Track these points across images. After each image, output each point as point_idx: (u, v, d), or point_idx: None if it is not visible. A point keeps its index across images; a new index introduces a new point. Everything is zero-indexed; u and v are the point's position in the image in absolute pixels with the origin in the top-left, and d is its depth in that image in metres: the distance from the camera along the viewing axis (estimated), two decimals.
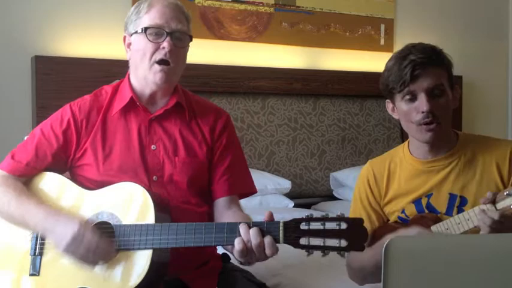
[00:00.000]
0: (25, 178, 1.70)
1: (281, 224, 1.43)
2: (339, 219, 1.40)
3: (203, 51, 3.41)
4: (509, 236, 1.39)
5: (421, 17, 4.17)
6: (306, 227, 1.41)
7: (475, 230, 1.59)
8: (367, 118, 3.92)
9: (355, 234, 1.39)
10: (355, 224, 1.40)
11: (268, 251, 1.43)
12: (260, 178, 3.25)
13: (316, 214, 1.44)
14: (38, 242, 1.63)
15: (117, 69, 3.07)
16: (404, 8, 4.11)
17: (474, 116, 4.37)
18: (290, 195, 3.42)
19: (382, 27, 4.03)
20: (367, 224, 1.76)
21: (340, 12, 3.88)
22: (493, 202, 1.52)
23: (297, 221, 1.42)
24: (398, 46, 4.02)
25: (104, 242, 1.52)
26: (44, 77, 3.01)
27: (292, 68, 3.69)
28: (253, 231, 1.43)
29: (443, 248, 1.18)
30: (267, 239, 1.43)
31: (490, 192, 1.54)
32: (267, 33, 3.67)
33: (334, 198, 3.67)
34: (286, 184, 3.39)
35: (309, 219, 1.41)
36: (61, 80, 3.02)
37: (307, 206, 3.55)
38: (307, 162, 3.73)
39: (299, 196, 3.63)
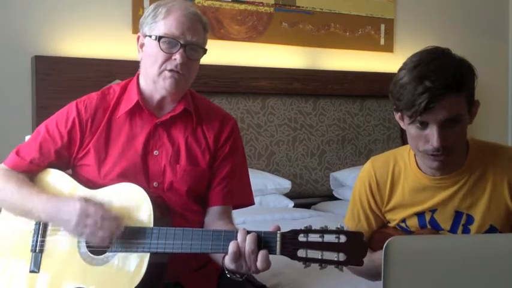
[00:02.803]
0: (28, 175, 1.69)
1: (278, 235, 1.40)
2: (338, 232, 1.37)
3: None
4: (509, 236, 1.39)
5: (421, 17, 4.17)
6: (304, 239, 1.38)
7: None
8: (367, 118, 3.92)
9: (354, 249, 1.36)
10: (355, 237, 1.37)
11: (259, 264, 1.41)
12: (260, 178, 3.25)
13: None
14: (39, 238, 1.63)
15: (117, 69, 3.08)
16: (404, 8, 4.11)
17: None
18: (290, 195, 3.42)
19: (382, 27, 4.03)
20: (365, 228, 1.75)
21: (340, 12, 3.88)
22: None
23: (295, 232, 1.39)
24: (398, 46, 4.02)
25: (108, 213, 1.52)
26: (44, 77, 3.01)
27: (292, 68, 3.69)
28: (250, 237, 1.41)
29: (443, 248, 1.18)
30: (262, 252, 1.40)
31: None
32: (267, 33, 3.67)
33: (334, 198, 3.66)
34: (286, 184, 3.39)
35: (307, 231, 1.39)
36: (61, 80, 3.02)
37: (307, 206, 3.55)
38: (307, 162, 3.73)
39: (299, 196, 3.63)
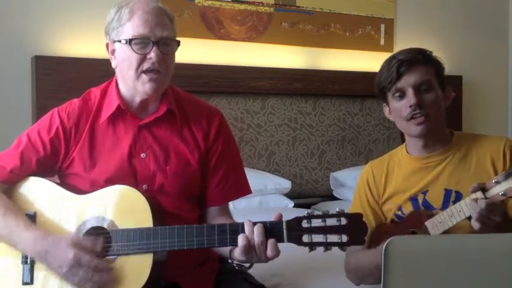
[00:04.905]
0: (8, 185, 1.65)
1: (284, 223, 1.45)
2: (339, 215, 1.43)
3: (203, 51, 3.41)
4: (509, 236, 1.39)
5: (421, 17, 4.17)
6: (307, 225, 1.44)
7: (466, 224, 1.60)
8: (367, 118, 3.92)
9: (355, 229, 1.43)
10: (355, 219, 1.44)
11: (269, 252, 1.44)
12: (260, 178, 3.25)
13: (317, 212, 1.46)
14: None
15: None
16: (404, 8, 4.11)
17: (474, 116, 4.37)
18: (290, 195, 3.42)
19: (382, 27, 4.03)
20: None
21: (340, 12, 3.88)
22: (483, 190, 1.55)
23: (298, 219, 1.45)
24: (398, 46, 4.02)
25: (101, 264, 1.48)
26: (44, 77, 3.01)
27: (292, 68, 3.69)
28: (257, 229, 1.44)
29: (443, 248, 1.18)
30: (271, 241, 1.44)
31: (476, 183, 1.56)
32: (267, 33, 3.67)
33: (334, 198, 3.66)
34: (286, 184, 3.39)
35: (310, 217, 1.44)
36: (61, 80, 3.01)
37: (307, 206, 3.54)
38: (307, 162, 3.73)
39: (299, 196, 3.63)
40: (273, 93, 3.61)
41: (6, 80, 3.06)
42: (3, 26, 3.06)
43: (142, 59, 1.61)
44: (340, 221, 1.43)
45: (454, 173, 1.74)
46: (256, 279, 1.82)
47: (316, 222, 1.43)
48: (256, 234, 1.43)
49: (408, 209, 1.77)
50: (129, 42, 1.61)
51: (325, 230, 1.43)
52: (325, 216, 1.44)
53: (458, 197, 1.71)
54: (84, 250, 1.48)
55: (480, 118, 4.42)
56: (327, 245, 1.42)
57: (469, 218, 1.57)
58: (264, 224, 1.45)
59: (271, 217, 1.50)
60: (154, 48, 1.60)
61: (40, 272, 1.57)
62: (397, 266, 1.12)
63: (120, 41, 1.63)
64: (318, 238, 1.43)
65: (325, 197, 3.72)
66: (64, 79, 3.02)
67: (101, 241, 1.53)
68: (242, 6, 3.60)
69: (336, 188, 3.70)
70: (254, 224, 1.46)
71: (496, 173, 1.69)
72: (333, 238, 1.42)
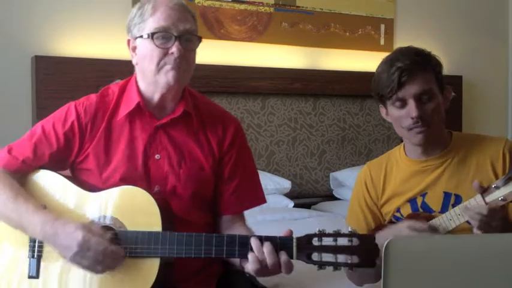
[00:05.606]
0: (19, 175, 1.64)
1: (294, 241, 1.42)
2: (351, 235, 1.40)
3: (203, 51, 3.39)
4: (509, 236, 1.39)
5: (421, 17, 4.17)
6: (318, 243, 1.41)
7: (466, 227, 1.61)
8: (367, 118, 3.92)
9: (367, 251, 1.39)
10: (367, 240, 1.40)
11: (284, 270, 1.43)
12: (260, 178, 3.24)
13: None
14: (36, 244, 1.58)
15: (117, 69, 3.07)
16: (404, 8, 4.11)
17: (474, 116, 4.37)
18: (290, 195, 3.42)
19: (382, 27, 4.03)
20: (363, 225, 1.80)
21: (340, 12, 3.88)
22: (482, 194, 1.55)
23: (309, 237, 1.42)
24: (398, 46, 4.01)
25: (110, 247, 1.46)
26: (44, 77, 3.02)
27: (292, 68, 3.69)
28: (267, 249, 1.42)
29: (443, 248, 1.17)
30: (283, 258, 1.42)
31: (477, 182, 1.56)
32: (267, 33, 3.67)
33: (334, 198, 3.67)
34: (286, 184, 3.39)
35: (321, 235, 1.41)
36: (61, 80, 3.02)
37: (307, 206, 3.55)
38: (307, 162, 3.73)
39: (299, 196, 3.63)
40: (273, 93, 3.61)
41: (6, 80, 3.06)
42: (3, 26, 3.06)
43: (164, 53, 1.59)
44: (352, 241, 1.39)
45: (453, 176, 1.72)
46: (258, 279, 1.82)
47: (327, 241, 1.40)
48: (268, 255, 1.42)
49: (407, 211, 1.75)
50: (151, 36, 1.59)
51: (335, 250, 1.39)
52: (336, 235, 1.40)
53: (458, 200, 1.69)
54: (93, 233, 1.47)
55: (480, 118, 4.42)
56: (337, 265, 1.39)
57: (468, 221, 1.57)
58: (274, 240, 1.43)
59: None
60: (176, 43, 1.59)
61: (46, 266, 1.57)
62: (397, 266, 1.12)
63: (141, 37, 1.62)
64: (328, 257, 1.40)
65: (325, 197, 3.72)
66: (64, 79, 3.02)
67: (110, 232, 1.51)
68: (242, 6, 3.60)
69: (336, 188, 3.70)
70: (261, 240, 1.44)
71: (495, 175, 1.68)
72: (343, 258, 1.39)
